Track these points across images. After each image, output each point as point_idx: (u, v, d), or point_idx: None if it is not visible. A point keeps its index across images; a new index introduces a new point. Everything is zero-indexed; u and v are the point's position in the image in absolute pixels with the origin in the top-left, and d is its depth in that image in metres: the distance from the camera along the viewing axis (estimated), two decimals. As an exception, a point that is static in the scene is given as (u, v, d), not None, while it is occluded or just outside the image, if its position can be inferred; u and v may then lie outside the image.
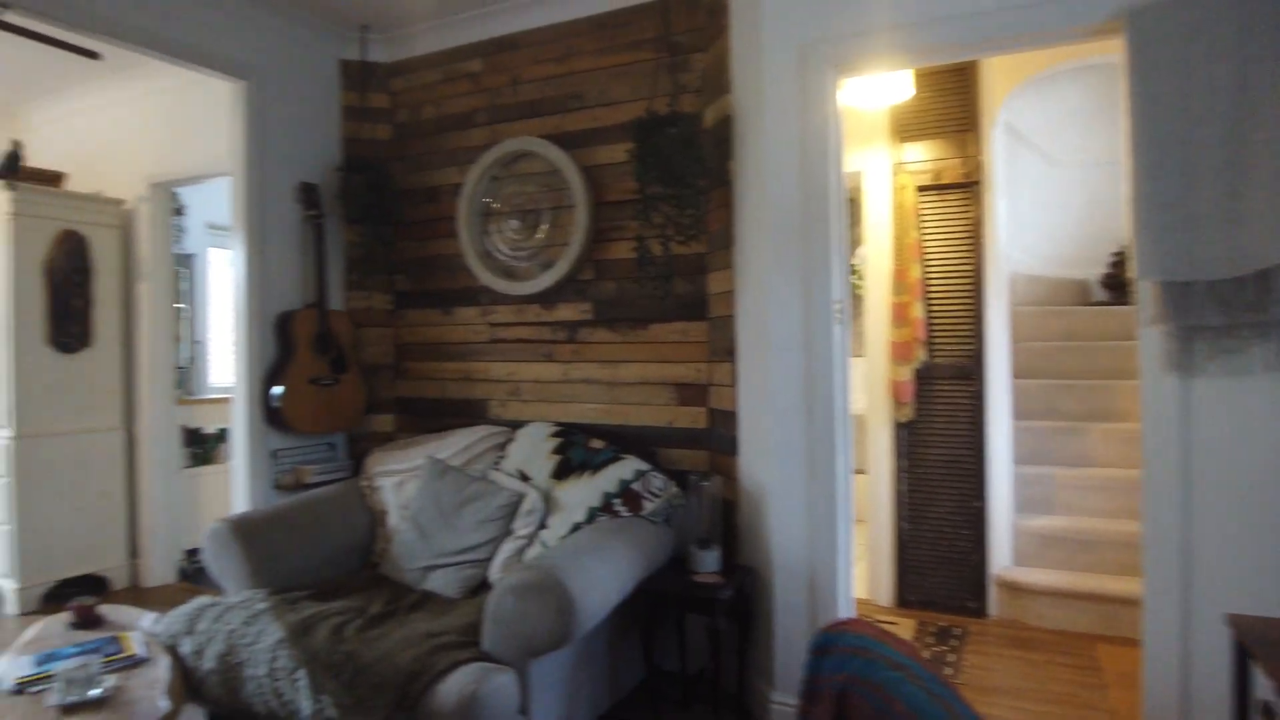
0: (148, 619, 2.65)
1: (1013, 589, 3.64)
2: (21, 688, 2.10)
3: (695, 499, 2.72)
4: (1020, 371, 4.13)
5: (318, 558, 2.95)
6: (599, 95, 3.33)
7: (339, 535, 3.06)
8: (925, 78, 3.68)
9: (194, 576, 4.49)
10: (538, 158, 3.40)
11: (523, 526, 2.80)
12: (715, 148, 2.94)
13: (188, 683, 2.39)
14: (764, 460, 2.69)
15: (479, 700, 1.99)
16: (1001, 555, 3.72)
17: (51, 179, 4.27)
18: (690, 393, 3.12)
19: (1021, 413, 4.05)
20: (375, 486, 3.25)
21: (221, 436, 4.79)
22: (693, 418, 3.11)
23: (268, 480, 3.46)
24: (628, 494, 2.76)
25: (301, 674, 2.21)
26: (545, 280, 3.36)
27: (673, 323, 3.15)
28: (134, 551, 4.46)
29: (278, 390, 3.38)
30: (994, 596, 3.68)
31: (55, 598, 4.04)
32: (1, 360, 3.97)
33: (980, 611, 3.67)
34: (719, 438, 3.00)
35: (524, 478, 2.98)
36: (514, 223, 3.48)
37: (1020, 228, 4.88)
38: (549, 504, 2.85)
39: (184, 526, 4.56)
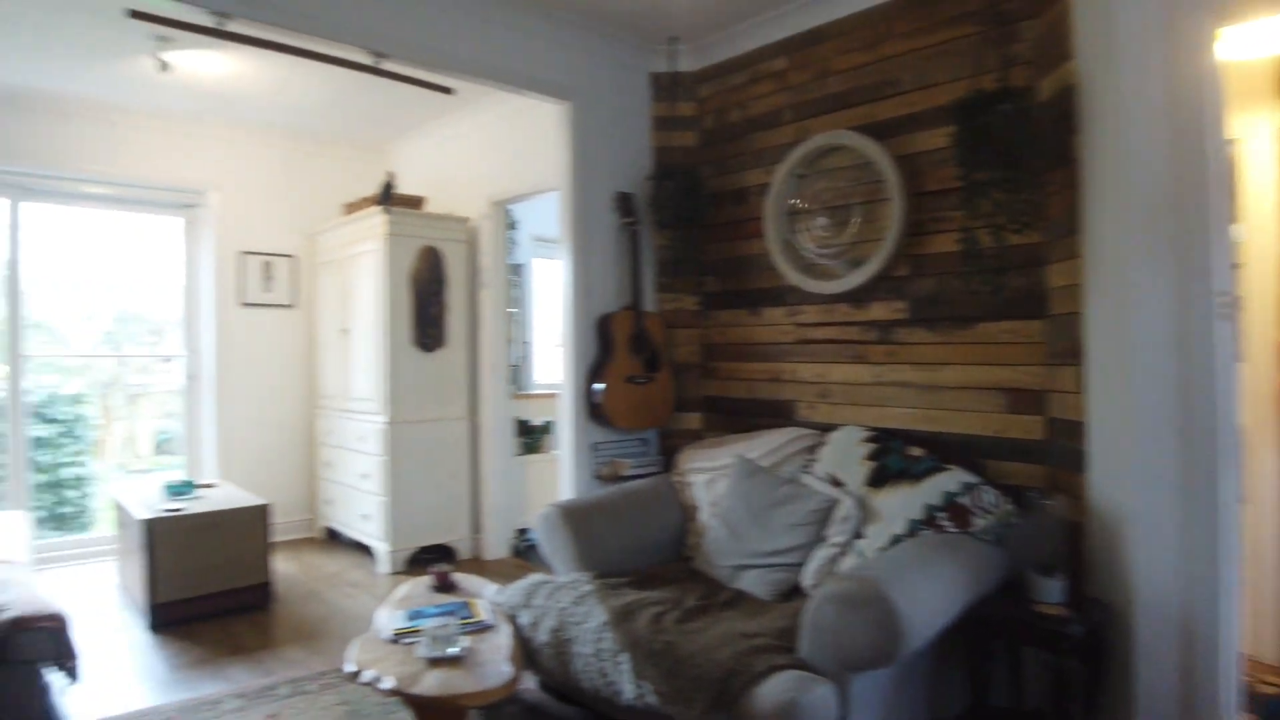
0: (491, 589, 2.95)
1: None
2: (397, 638, 2.44)
3: (1033, 519, 2.43)
4: None
5: (634, 546, 3.10)
6: (914, 79, 3.13)
7: (653, 527, 3.19)
8: (1336, 16, 2.98)
9: (524, 554, 4.97)
10: (847, 151, 3.28)
11: (836, 534, 2.71)
12: (1054, 123, 2.61)
13: (524, 651, 2.61)
14: (1122, 480, 2.33)
15: (799, 708, 1.93)
16: None
17: (415, 203, 4.97)
18: (1023, 399, 2.81)
19: None
20: (686, 482, 3.35)
21: (546, 429, 5.26)
22: (1026, 427, 2.80)
23: (588, 470, 3.72)
24: (954, 508, 2.55)
25: (624, 658, 2.32)
26: (855, 278, 3.23)
27: (1003, 321, 2.86)
28: (476, 527, 5.05)
29: (599, 387, 3.63)
30: None
31: (415, 562, 4.70)
32: (381, 358, 4.72)
33: None
34: (1061, 451, 2.66)
35: (836, 483, 2.88)
36: (822, 220, 3.40)
37: None
38: (864, 512, 2.72)
39: (516, 508, 5.08)
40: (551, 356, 5.86)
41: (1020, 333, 2.81)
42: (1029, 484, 2.74)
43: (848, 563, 2.64)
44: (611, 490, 3.35)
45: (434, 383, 4.87)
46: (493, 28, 3.46)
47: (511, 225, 5.27)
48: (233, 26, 2.95)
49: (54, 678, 2.83)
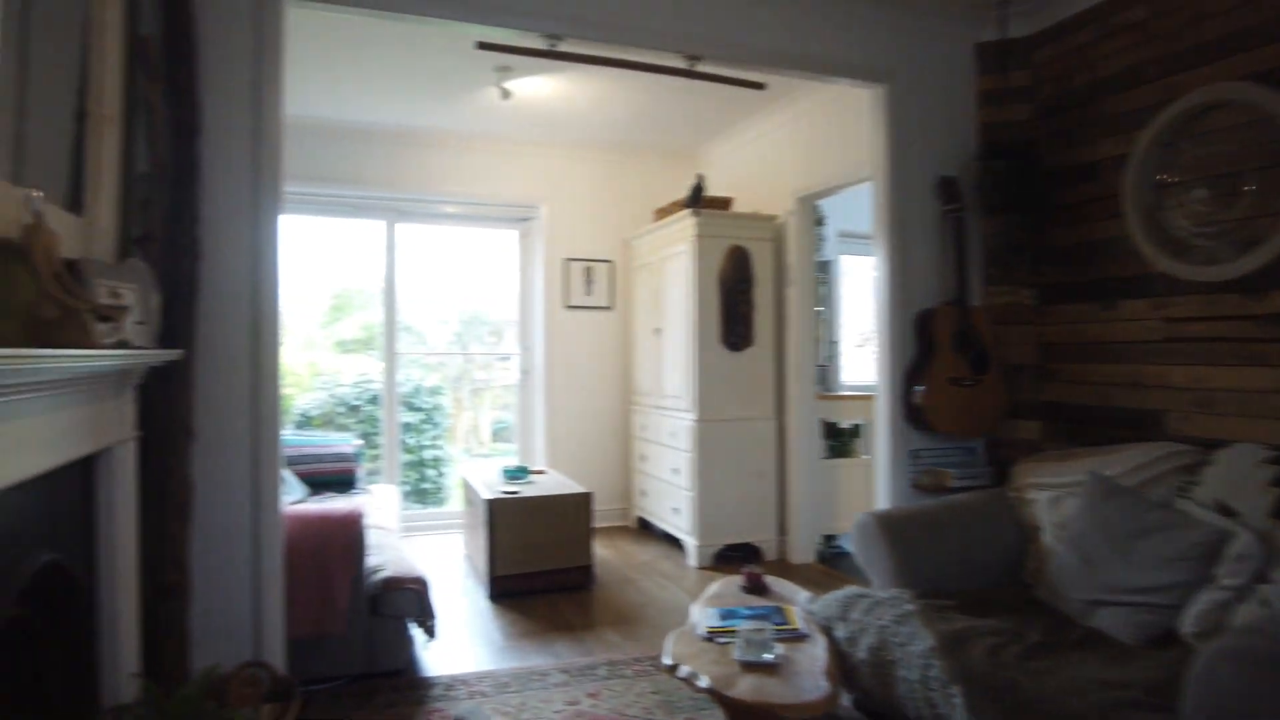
0: (803, 596, 2.86)
1: None
2: (711, 636, 2.44)
3: None
4: None
5: (959, 566, 2.82)
6: (1339, 7, 2.48)
7: (982, 546, 2.88)
8: None
9: (831, 561, 4.82)
10: (1235, 107, 2.70)
11: (1229, 574, 2.21)
12: None
13: (841, 667, 2.48)
14: None
15: (1187, 786, 1.60)
16: None
17: (722, 204, 5.03)
18: None
19: None
20: (1026, 499, 2.97)
21: (856, 431, 5.05)
22: None
23: (906, 479, 3.47)
24: None
25: (956, 691, 2.10)
26: (1249, 262, 2.64)
27: None
28: (782, 529, 4.99)
29: (919, 389, 3.37)
30: None
31: (721, 558, 4.76)
32: (690, 356, 4.84)
33: None
34: None
35: (1226, 512, 2.36)
36: (1200, 192, 2.83)
37: None
38: (1270, 550, 2.20)
39: (823, 513, 4.93)
40: (859, 357, 5.63)
41: None
42: None
43: (1246, 611, 2.14)
44: (935, 502, 3.09)
45: (741, 382, 4.89)
46: (804, 15, 3.37)
47: (819, 222, 5.14)
48: (563, 48, 3.18)
49: (415, 633, 3.26)
